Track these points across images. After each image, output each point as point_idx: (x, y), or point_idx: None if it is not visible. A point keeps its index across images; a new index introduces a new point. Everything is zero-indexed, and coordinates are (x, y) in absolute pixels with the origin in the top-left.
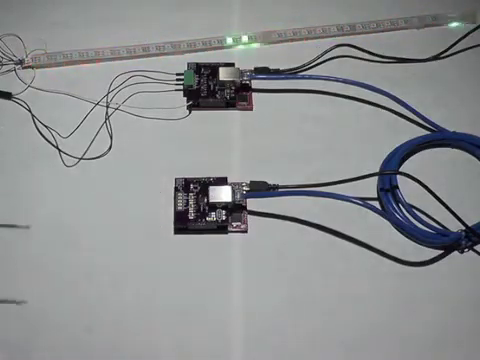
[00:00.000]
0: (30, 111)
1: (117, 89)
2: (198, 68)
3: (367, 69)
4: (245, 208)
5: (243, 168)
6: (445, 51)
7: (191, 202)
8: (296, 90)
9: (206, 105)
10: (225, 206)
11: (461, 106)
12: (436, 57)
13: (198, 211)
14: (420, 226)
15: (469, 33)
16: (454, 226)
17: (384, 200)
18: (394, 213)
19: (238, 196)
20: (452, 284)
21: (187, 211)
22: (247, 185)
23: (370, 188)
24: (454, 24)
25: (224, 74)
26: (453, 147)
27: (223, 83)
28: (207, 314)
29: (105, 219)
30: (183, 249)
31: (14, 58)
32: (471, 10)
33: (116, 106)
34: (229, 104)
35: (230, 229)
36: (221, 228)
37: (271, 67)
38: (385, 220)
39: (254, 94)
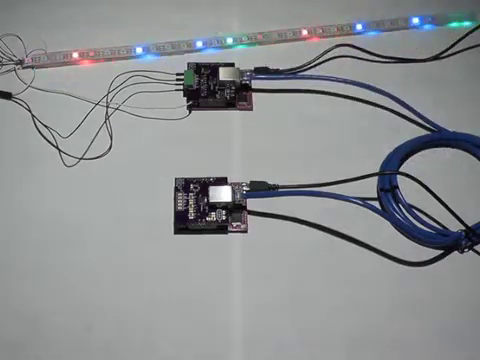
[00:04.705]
0: (30, 111)
1: (117, 89)
2: (198, 68)
3: (367, 69)
4: (245, 208)
5: (243, 168)
6: (445, 51)
7: (191, 202)
8: (296, 90)
9: (206, 105)
10: (225, 206)
11: (461, 106)
12: (436, 57)
13: (198, 211)
14: (420, 226)
15: (469, 33)
16: (454, 226)
17: (384, 200)
18: (394, 213)
19: (238, 196)
20: (452, 284)
21: (187, 211)
22: (247, 185)
23: (370, 188)
24: (454, 24)
25: (224, 74)
26: (453, 147)
27: (223, 83)
28: (207, 314)
29: (105, 219)
30: (183, 249)
31: (14, 58)
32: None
33: (116, 106)
34: (229, 104)
35: (230, 229)
36: (221, 228)
37: (271, 67)
38: (385, 220)
39: (254, 94)
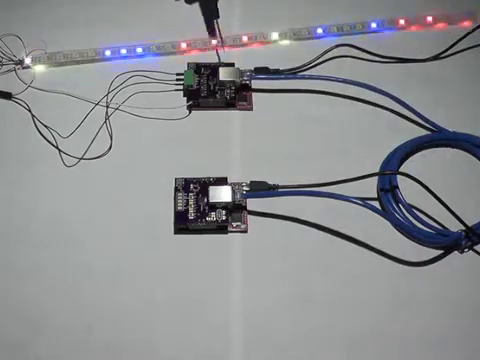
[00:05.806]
0: (30, 111)
1: (117, 89)
2: (198, 68)
3: (367, 69)
4: (245, 208)
5: (243, 168)
6: (445, 51)
7: (191, 202)
8: (296, 90)
9: (206, 105)
10: (225, 206)
11: (461, 106)
12: (436, 57)
13: (198, 211)
14: (420, 226)
15: (469, 33)
16: (454, 226)
17: (384, 200)
18: (394, 213)
19: (238, 196)
20: (452, 284)
21: (187, 211)
22: (247, 185)
23: (370, 188)
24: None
25: (224, 74)
26: (453, 147)
27: (223, 83)
28: (207, 314)
29: (105, 219)
30: (183, 249)
31: (14, 58)
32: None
33: (116, 106)
34: (229, 104)
35: (230, 229)
36: (221, 228)
37: (271, 67)
38: (385, 220)
39: (254, 94)
